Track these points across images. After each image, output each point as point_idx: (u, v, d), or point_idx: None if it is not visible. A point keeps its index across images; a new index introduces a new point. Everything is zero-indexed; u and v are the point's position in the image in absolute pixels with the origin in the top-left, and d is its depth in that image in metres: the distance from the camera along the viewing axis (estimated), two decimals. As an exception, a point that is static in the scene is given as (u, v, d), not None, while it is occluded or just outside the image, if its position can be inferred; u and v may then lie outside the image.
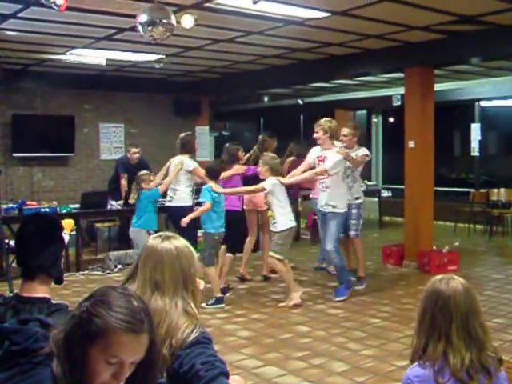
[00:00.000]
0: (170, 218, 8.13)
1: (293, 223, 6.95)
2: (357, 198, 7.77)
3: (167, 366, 1.98)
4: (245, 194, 7.57)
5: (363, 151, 7.77)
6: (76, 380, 1.59)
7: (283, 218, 6.76)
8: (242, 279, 8.00)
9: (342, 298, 7.02)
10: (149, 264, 2.16)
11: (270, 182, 6.75)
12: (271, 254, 6.75)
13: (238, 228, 7.58)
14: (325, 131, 7.19)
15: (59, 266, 2.48)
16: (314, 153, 7.47)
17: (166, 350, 1.99)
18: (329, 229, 7.14)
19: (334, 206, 7.12)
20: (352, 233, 7.88)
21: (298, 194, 9.92)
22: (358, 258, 7.89)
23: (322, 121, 7.26)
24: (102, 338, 1.57)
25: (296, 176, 7.32)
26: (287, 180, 7.10)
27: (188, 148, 7.83)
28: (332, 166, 7.01)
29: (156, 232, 6.54)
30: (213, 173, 7.03)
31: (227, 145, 8.12)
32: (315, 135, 7.29)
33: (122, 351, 1.60)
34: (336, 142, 7.39)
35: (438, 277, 2.31)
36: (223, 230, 6.91)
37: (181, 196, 7.55)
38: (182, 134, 7.89)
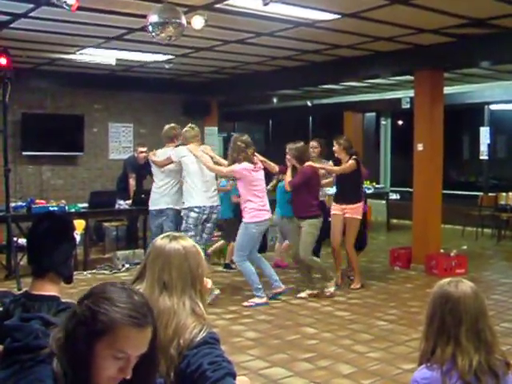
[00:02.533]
0: None
1: None
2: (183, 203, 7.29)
3: (174, 365, 1.99)
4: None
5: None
6: (81, 377, 1.60)
7: None
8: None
9: None
10: (157, 264, 2.17)
11: None
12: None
13: None
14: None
15: (70, 266, 2.50)
16: None
17: (174, 350, 1.99)
18: None
19: None
20: None
21: None
22: None
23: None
24: (109, 335, 1.59)
25: None
26: None
27: None
28: None
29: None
30: None
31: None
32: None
33: (129, 346, 1.61)
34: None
35: (446, 280, 2.30)
36: None
37: None
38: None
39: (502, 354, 2.21)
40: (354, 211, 7.59)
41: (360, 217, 7.65)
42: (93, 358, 1.59)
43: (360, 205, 7.67)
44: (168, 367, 1.98)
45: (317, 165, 7.38)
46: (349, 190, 7.59)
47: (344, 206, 7.60)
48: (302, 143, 7.33)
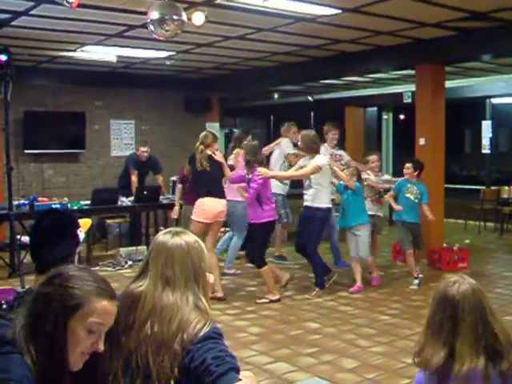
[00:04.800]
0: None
1: None
2: None
3: (178, 361, 1.99)
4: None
5: None
6: (55, 358, 1.64)
7: None
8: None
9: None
10: (160, 260, 2.17)
11: None
12: None
13: None
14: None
15: (72, 263, 2.50)
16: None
17: (178, 345, 2.00)
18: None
19: None
20: None
21: None
22: None
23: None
24: (84, 308, 1.66)
25: None
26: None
27: None
28: None
29: None
30: None
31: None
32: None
33: (104, 317, 1.70)
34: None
35: (451, 279, 2.25)
36: None
37: None
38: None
39: None
40: None
41: (194, 217, 6.93)
42: (66, 335, 1.64)
43: (196, 204, 6.93)
44: (172, 362, 1.99)
45: None
46: None
47: None
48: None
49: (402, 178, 7.89)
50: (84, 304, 1.66)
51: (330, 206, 7.33)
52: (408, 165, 7.79)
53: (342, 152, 8.81)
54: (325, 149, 8.24)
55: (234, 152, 8.18)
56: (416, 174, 7.79)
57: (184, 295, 2.11)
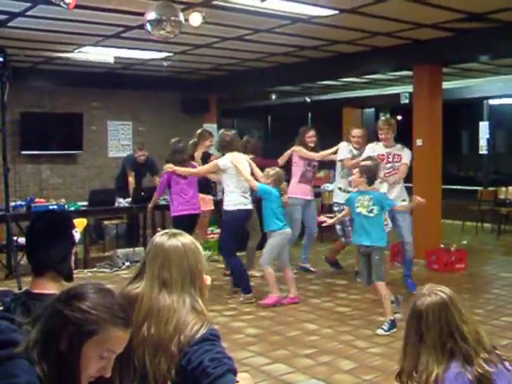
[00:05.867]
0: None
1: None
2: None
3: (175, 362, 1.99)
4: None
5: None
6: (64, 378, 1.64)
7: None
8: None
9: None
10: (156, 261, 2.17)
11: None
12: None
13: None
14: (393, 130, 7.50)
15: (68, 263, 2.49)
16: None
17: (175, 347, 1.99)
18: None
19: None
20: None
21: None
22: None
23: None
24: (99, 335, 1.65)
25: None
26: None
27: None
28: None
29: None
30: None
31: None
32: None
33: (117, 346, 1.71)
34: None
35: (422, 291, 2.33)
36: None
37: None
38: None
39: (487, 357, 2.19)
40: None
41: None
42: (78, 358, 1.64)
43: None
44: (169, 364, 1.98)
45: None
46: None
47: None
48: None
49: (354, 191, 6.17)
50: (100, 331, 1.66)
51: (239, 207, 6.90)
52: (354, 170, 6.06)
53: (404, 152, 7.51)
54: (369, 149, 7.70)
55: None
56: (366, 181, 5.82)
57: (181, 297, 2.10)
